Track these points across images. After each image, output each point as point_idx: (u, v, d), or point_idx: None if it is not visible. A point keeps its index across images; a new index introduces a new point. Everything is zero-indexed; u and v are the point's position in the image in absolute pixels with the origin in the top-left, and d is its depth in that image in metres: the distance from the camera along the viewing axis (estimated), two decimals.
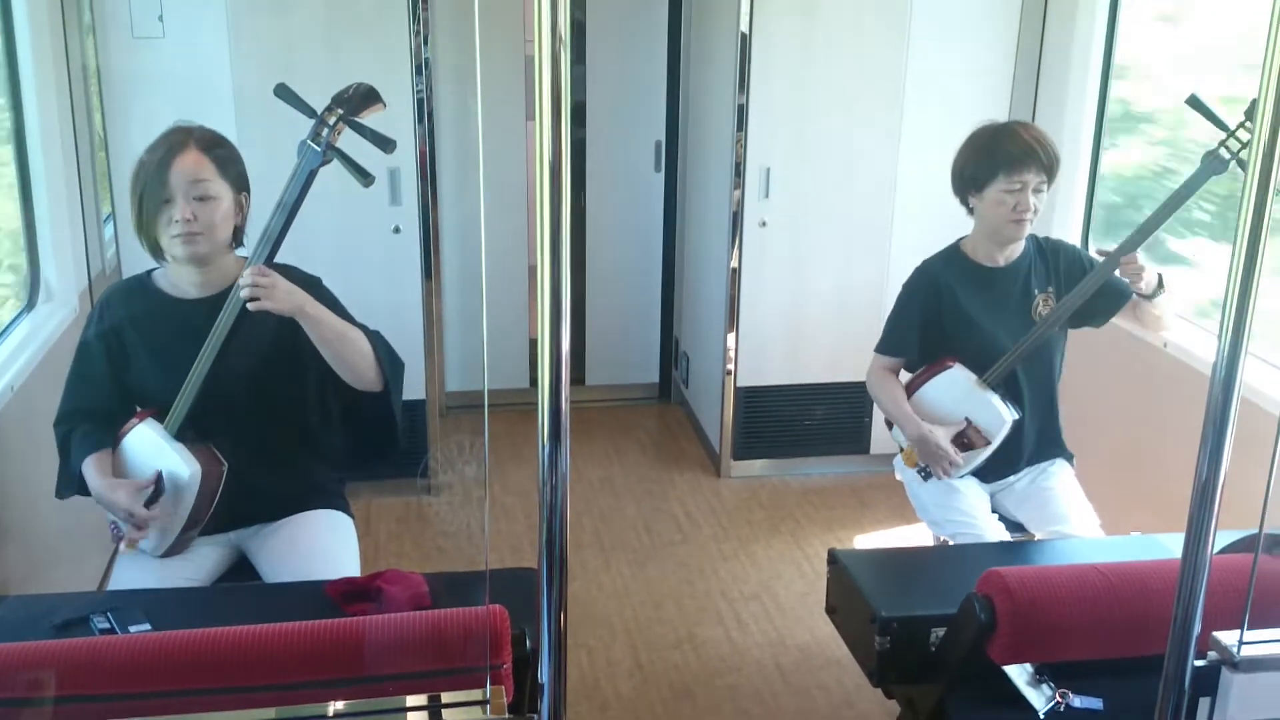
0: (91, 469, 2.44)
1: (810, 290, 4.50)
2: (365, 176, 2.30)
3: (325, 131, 2.31)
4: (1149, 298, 2.86)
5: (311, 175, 2.34)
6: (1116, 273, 2.82)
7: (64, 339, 3.38)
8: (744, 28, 4.17)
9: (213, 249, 2.41)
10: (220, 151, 2.42)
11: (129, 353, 2.50)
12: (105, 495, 2.39)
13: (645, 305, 5.41)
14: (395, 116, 3.99)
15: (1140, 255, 2.80)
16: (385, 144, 2.31)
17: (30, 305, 3.44)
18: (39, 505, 3.08)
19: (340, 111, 2.31)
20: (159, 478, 2.41)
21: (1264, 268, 1.30)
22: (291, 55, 3.96)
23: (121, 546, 2.47)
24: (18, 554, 2.94)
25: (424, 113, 4.06)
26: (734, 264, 4.42)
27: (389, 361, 2.49)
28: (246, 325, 2.39)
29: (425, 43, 4.05)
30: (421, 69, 4.04)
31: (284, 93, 2.31)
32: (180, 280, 2.49)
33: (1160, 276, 2.84)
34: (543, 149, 1.07)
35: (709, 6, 4.73)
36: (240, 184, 2.45)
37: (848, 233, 4.46)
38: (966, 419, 2.92)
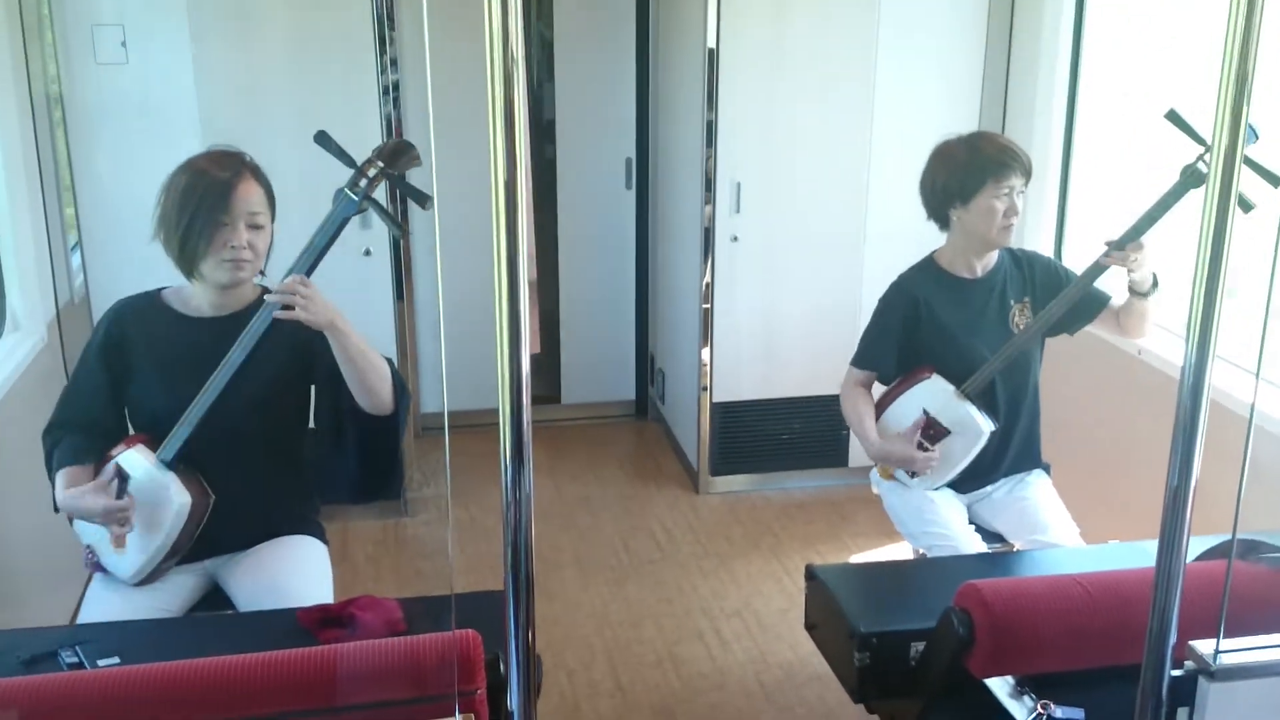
0: (61, 481, 2.42)
1: (784, 304, 4.50)
2: (399, 229, 2.32)
3: (364, 182, 2.31)
4: (1143, 295, 2.85)
5: (345, 222, 2.35)
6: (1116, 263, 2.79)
7: (31, 369, 3.34)
8: (711, 43, 4.17)
9: (253, 275, 2.45)
10: (266, 181, 2.45)
11: (132, 368, 2.49)
12: (73, 504, 2.37)
13: (620, 322, 5.40)
14: (363, 138, 3.97)
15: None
16: (423, 200, 2.32)
17: None
18: (8, 539, 3.04)
19: (380, 164, 2.32)
20: (119, 469, 2.38)
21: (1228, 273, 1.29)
22: (257, 79, 3.95)
23: (110, 548, 2.43)
24: None
25: (392, 134, 4.05)
26: (707, 279, 4.41)
27: (399, 387, 2.48)
28: (257, 351, 2.38)
29: (393, 65, 4.04)
30: (389, 90, 4.02)
31: (323, 140, 2.32)
32: (196, 300, 2.50)
33: (1155, 275, 2.83)
34: (497, 168, 1.05)
35: (676, 23, 4.73)
36: (274, 214, 2.48)
37: (820, 245, 4.46)
38: (924, 410, 2.92)
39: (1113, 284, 2.94)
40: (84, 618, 2.48)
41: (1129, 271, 2.80)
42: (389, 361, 2.47)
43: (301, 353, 2.48)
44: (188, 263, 2.41)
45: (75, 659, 2.05)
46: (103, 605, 2.47)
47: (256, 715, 1.68)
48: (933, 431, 2.91)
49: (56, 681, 1.73)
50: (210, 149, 2.46)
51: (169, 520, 2.41)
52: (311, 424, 2.62)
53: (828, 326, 4.46)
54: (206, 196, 2.34)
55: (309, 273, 2.33)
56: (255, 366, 2.40)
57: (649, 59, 5.08)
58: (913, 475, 2.97)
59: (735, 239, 4.38)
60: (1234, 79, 1.23)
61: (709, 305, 4.44)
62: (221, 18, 3.91)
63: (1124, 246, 2.73)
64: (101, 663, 2.04)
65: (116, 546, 2.41)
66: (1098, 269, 2.81)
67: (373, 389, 2.41)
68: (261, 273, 2.49)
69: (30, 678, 1.78)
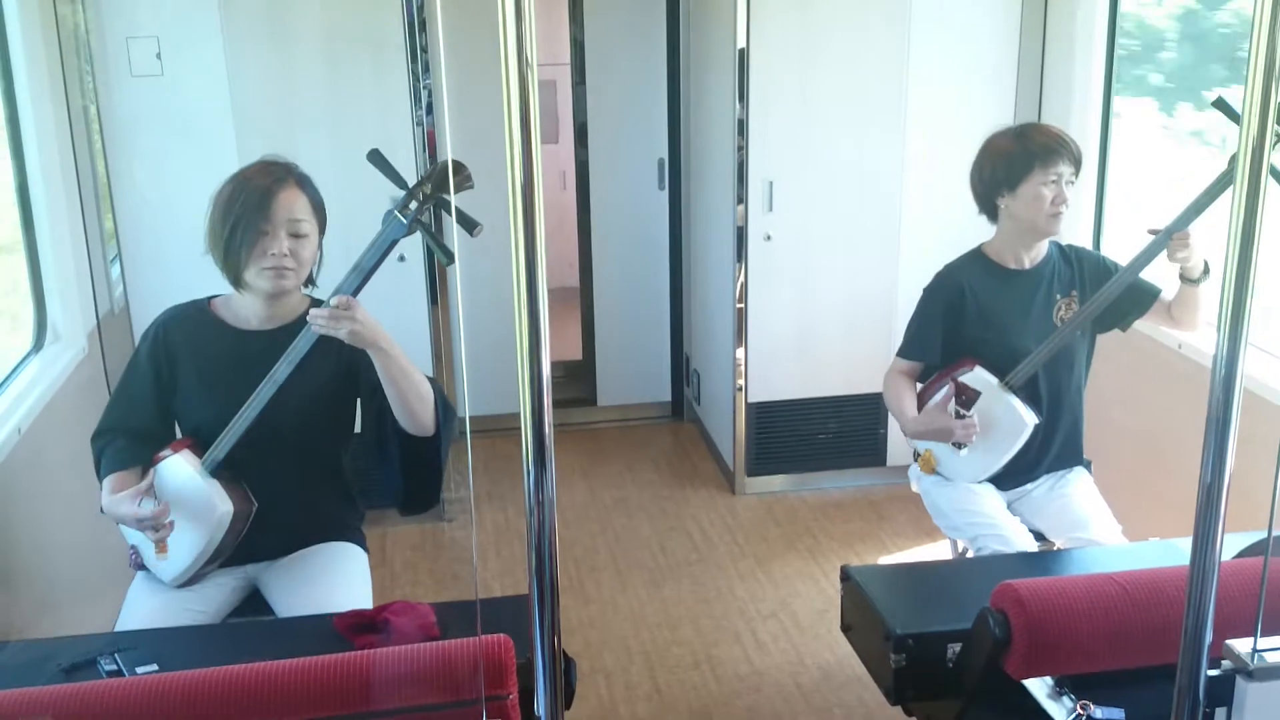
0: (106, 486, 2.45)
1: (819, 302, 4.48)
2: (449, 258, 2.30)
3: (413, 205, 2.28)
4: (1194, 282, 2.81)
5: (393, 244, 2.32)
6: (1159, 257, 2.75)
7: (71, 380, 3.38)
8: (741, 42, 4.16)
9: (297, 284, 2.45)
10: (313, 191, 2.46)
11: (178, 377, 2.51)
12: (112, 511, 2.41)
13: (655, 324, 5.40)
14: (396, 145, 4.00)
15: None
16: (471, 226, 2.28)
17: (38, 346, 3.44)
18: (50, 547, 3.08)
19: (428, 188, 2.29)
20: (153, 475, 2.42)
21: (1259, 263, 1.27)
22: (291, 88, 3.98)
23: (154, 555, 2.46)
24: (28, 597, 2.93)
25: (425, 140, 4.07)
26: (740, 279, 4.40)
27: (443, 408, 2.47)
28: (302, 364, 2.38)
29: (425, 71, 4.06)
30: (422, 97, 4.04)
31: (377, 159, 2.27)
32: (244, 311, 2.51)
33: (1206, 263, 2.79)
34: (514, 171, 1.05)
35: (706, 23, 4.72)
36: (323, 225, 2.48)
37: (855, 243, 4.43)
38: (952, 378, 2.89)
39: (1164, 275, 2.90)
40: (124, 617, 2.51)
41: (1178, 259, 2.75)
42: (434, 382, 2.45)
43: (347, 368, 2.49)
44: (232, 271, 2.42)
45: (114, 666, 2.07)
46: (143, 606, 2.50)
47: None
48: (965, 397, 2.89)
49: (95, 689, 1.74)
50: (261, 159, 2.46)
51: (211, 527, 2.43)
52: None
53: (863, 325, 4.43)
54: (248, 204, 2.36)
55: (355, 293, 2.31)
56: (300, 380, 2.41)
57: (679, 59, 5.07)
58: (959, 448, 2.94)
59: (768, 238, 4.36)
60: (1262, 63, 1.21)
61: (743, 305, 4.43)
62: (255, 28, 3.95)
63: (1170, 236, 2.70)
64: (140, 670, 2.06)
65: (157, 553, 2.44)
66: (1144, 259, 2.77)
67: (414, 411, 2.39)
68: (312, 283, 2.49)
69: (69, 685, 1.80)
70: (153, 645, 2.16)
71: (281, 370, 2.36)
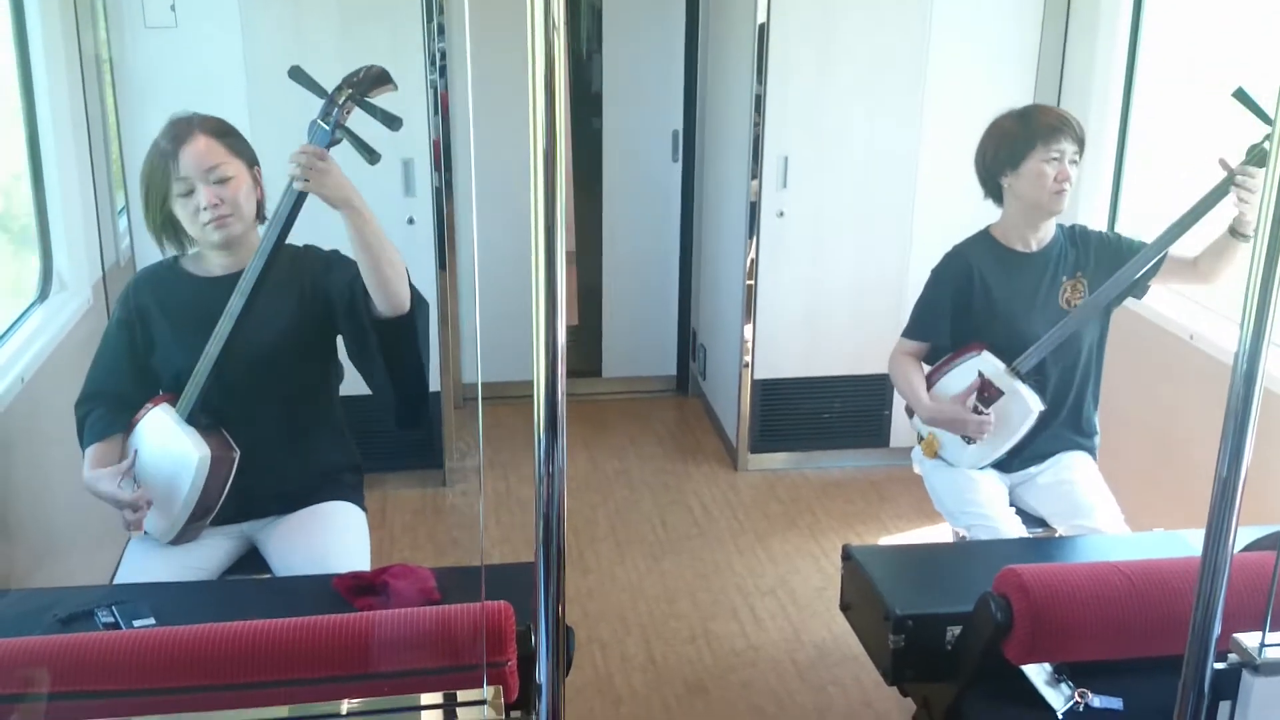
0: (87, 459, 2.46)
1: (829, 282, 4.46)
2: (371, 154, 2.27)
3: (335, 111, 2.28)
4: (1245, 237, 2.71)
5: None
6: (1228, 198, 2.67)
7: (76, 330, 3.37)
8: (761, 17, 4.12)
9: (244, 227, 2.43)
10: (225, 132, 2.43)
11: (154, 336, 2.50)
12: (91, 487, 2.41)
13: (663, 297, 5.38)
14: (409, 107, 3.96)
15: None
16: (391, 121, 2.27)
17: (43, 296, 3.43)
18: (50, 497, 3.08)
19: (349, 91, 2.29)
20: (134, 456, 2.41)
21: None
22: (304, 43, 3.95)
23: (129, 532, 2.46)
24: (27, 546, 2.93)
25: (438, 103, 4.04)
26: (751, 255, 4.38)
27: (415, 292, 2.46)
28: (267, 301, 2.38)
29: (440, 32, 4.02)
30: (436, 58, 4.01)
31: (297, 74, 2.29)
32: (209, 262, 2.51)
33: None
34: (536, 138, 1.03)
35: None
36: (251, 160, 2.46)
37: (867, 223, 4.41)
38: (979, 373, 2.88)
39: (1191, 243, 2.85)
40: (121, 576, 2.51)
41: (1242, 208, 2.65)
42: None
43: (314, 297, 2.46)
44: (167, 237, 2.45)
45: (111, 619, 2.07)
46: (140, 563, 2.50)
47: (289, 679, 1.69)
48: (988, 394, 2.87)
49: (91, 641, 1.74)
50: (168, 120, 2.44)
51: (189, 476, 2.40)
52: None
53: (873, 305, 4.42)
54: (158, 172, 2.37)
55: (290, 217, 2.31)
56: (268, 316, 2.41)
57: (698, 31, 5.03)
58: (969, 441, 2.93)
59: (781, 214, 4.34)
60: None
61: (753, 281, 4.41)
62: None
63: (1230, 184, 2.61)
64: (137, 623, 2.05)
65: (133, 530, 2.43)
66: (1169, 237, 2.73)
67: (388, 280, 2.35)
68: (263, 219, 2.47)
69: (66, 636, 1.79)
70: (150, 599, 2.16)
71: (236, 302, 2.35)
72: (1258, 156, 2.58)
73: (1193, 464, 3.39)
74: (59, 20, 3.45)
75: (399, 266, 2.39)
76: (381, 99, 2.32)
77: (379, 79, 2.32)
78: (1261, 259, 1.27)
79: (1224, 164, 2.65)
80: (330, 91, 2.29)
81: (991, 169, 2.91)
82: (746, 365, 4.51)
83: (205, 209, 2.35)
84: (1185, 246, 2.85)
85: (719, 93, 4.85)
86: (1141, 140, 3.98)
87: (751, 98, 4.24)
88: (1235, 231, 2.74)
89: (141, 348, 2.51)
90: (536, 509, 1.18)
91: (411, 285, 2.45)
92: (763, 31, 4.14)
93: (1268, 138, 2.54)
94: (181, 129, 2.39)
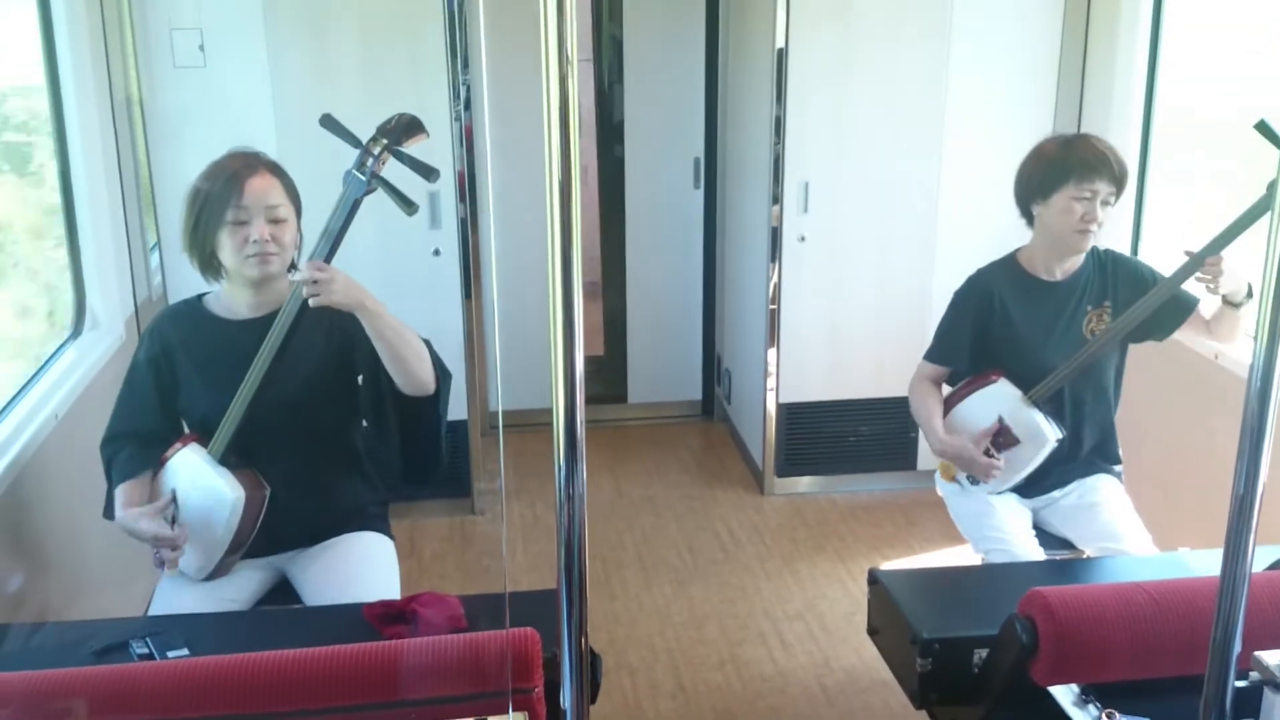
0: (119, 498, 2.47)
1: (852, 305, 4.47)
2: (409, 205, 2.31)
3: (370, 161, 2.32)
4: (1236, 305, 2.76)
5: (356, 204, 2.36)
6: (1194, 278, 2.72)
7: (109, 366, 3.42)
8: (780, 43, 4.16)
9: (280, 270, 2.47)
10: (285, 176, 2.48)
11: (179, 375, 2.53)
12: (128, 525, 2.42)
13: (687, 322, 5.40)
14: (434, 140, 4.00)
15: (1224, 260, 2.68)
16: (428, 173, 2.32)
17: (76, 333, 3.49)
18: (84, 530, 3.11)
19: (385, 141, 2.33)
20: (174, 496, 2.44)
21: None
22: (332, 81, 4.01)
23: (164, 571, 2.49)
24: (62, 579, 2.97)
25: (462, 135, 4.09)
26: (774, 279, 4.40)
27: (439, 367, 2.49)
28: (295, 344, 2.41)
29: (464, 67, 4.08)
30: (460, 91, 4.06)
31: (329, 123, 2.33)
32: (234, 302, 2.53)
33: (1250, 285, 2.74)
34: (552, 169, 1.06)
35: (745, 22, 4.72)
36: (299, 209, 2.50)
37: (889, 246, 4.42)
38: (999, 417, 2.87)
39: (1203, 289, 2.86)
40: (155, 609, 2.53)
41: (1209, 287, 2.71)
42: (427, 342, 2.47)
43: (340, 341, 2.50)
44: (209, 263, 2.46)
45: (145, 650, 2.09)
46: (173, 596, 2.52)
47: (320, 708, 1.71)
48: (1003, 440, 2.87)
49: (127, 672, 1.77)
50: (228, 151, 2.48)
51: (225, 515, 2.44)
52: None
53: (896, 328, 4.42)
54: (213, 198, 2.39)
55: (329, 258, 2.34)
56: (295, 359, 2.44)
57: (718, 59, 5.07)
58: (975, 483, 2.93)
59: (803, 239, 4.36)
60: None
61: (776, 306, 4.43)
62: (296, 21, 3.98)
63: (1203, 260, 2.67)
64: (171, 654, 2.08)
65: (168, 569, 2.45)
66: (1179, 277, 2.74)
67: (410, 368, 2.40)
68: (295, 268, 2.50)
69: (102, 667, 1.82)
70: (184, 630, 2.19)
71: (270, 345, 2.38)
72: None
73: (1218, 483, 3.37)
74: (90, 60, 3.51)
75: (421, 353, 2.43)
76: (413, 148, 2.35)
77: (410, 127, 2.35)
78: (1274, 277, 1.28)
79: (1188, 254, 2.69)
80: (365, 141, 2.33)
81: (1025, 193, 2.90)
82: (771, 389, 4.52)
83: (255, 241, 2.38)
84: (1207, 301, 2.87)
85: (739, 119, 4.89)
86: (1164, 163, 3.97)
87: (771, 123, 4.27)
88: (1228, 301, 2.78)
89: (168, 386, 2.54)
90: (558, 535, 1.19)
91: (436, 357, 2.48)
92: (782, 56, 4.18)
93: None
94: (250, 160, 2.43)
